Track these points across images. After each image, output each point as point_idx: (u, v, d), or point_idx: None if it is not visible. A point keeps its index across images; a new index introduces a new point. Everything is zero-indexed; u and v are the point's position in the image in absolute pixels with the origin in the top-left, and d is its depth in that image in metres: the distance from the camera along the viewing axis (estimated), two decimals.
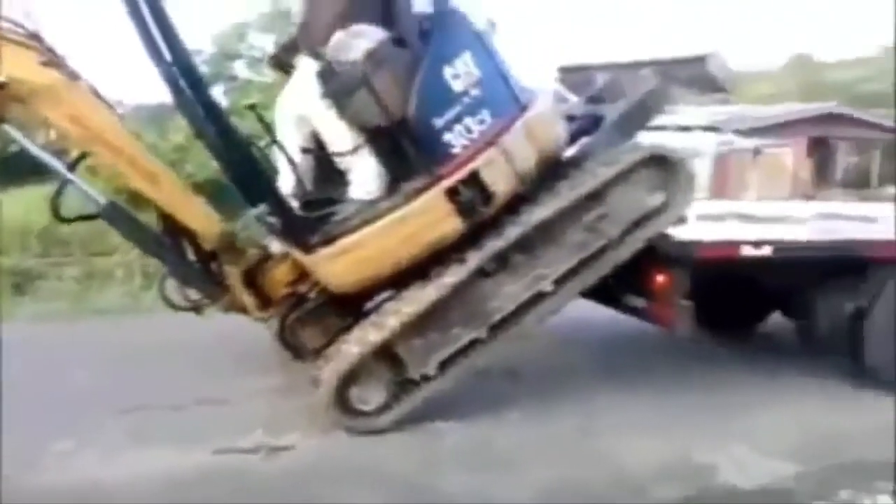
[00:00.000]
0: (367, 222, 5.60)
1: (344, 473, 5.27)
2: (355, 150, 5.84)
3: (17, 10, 5.30)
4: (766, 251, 6.39)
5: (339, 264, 5.65)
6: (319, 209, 5.82)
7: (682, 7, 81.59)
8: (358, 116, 5.66)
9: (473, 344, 5.93)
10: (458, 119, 5.65)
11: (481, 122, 5.71)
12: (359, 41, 5.60)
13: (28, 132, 5.65)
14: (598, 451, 5.57)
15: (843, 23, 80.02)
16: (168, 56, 5.30)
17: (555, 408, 6.26)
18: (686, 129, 15.12)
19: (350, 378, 5.70)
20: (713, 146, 18.07)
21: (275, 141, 5.93)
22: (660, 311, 6.47)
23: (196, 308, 6.42)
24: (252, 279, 6.17)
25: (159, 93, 6.11)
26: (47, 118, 5.30)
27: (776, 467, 5.35)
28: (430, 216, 5.65)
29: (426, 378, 5.87)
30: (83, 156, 5.70)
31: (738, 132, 21.38)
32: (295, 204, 5.88)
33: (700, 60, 6.70)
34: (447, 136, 5.64)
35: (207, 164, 11.02)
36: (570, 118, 6.61)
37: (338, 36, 5.67)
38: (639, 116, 6.69)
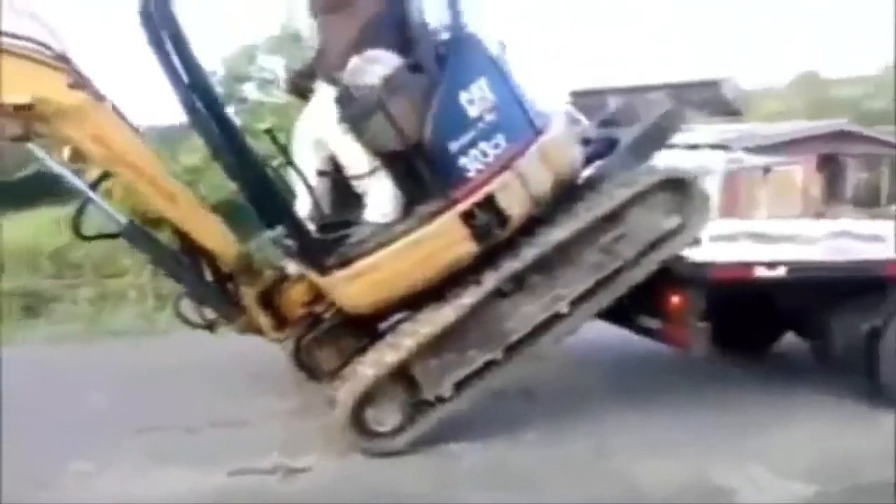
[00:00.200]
0: (382, 245, 5.64)
1: (360, 495, 5.28)
2: (372, 173, 5.88)
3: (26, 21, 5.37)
4: (781, 272, 6.40)
5: (355, 286, 5.69)
6: (335, 231, 5.86)
7: (690, 25, 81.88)
8: (374, 141, 5.71)
9: (489, 365, 5.94)
10: (473, 143, 5.70)
11: (496, 146, 5.75)
12: (375, 67, 5.66)
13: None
14: (614, 472, 5.57)
15: (848, 40, 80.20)
16: (186, 78, 5.37)
17: (570, 428, 6.25)
18: (695, 147, 15.11)
19: (366, 399, 5.72)
20: (723, 164, 18.05)
21: (290, 163, 5.98)
22: (675, 332, 6.47)
23: (210, 326, 6.45)
24: (268, 300, 6.20)
25: (170, 114, 6.21)
26: (71, 137, 5.36)
27: (794, 488, 5.33)
28: (445, 239, 5.69)
29: (442, 399, 5.88)
30: (105, 175, 5.76)
31: (748, 150, 21.38)
32: (311, 226, 5.92)
33: (714, 84, 6.74)
34: (462, 161, 5.68)
35: (220, 186, 11.08)
36: (586, 141, 6.64)
37: (354, 61, 5.72)
38: (653, 139, 6.73)
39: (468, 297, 5.77)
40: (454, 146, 5.66)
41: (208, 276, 6.19)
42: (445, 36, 5.93)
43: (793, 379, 7.53)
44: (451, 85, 5.68)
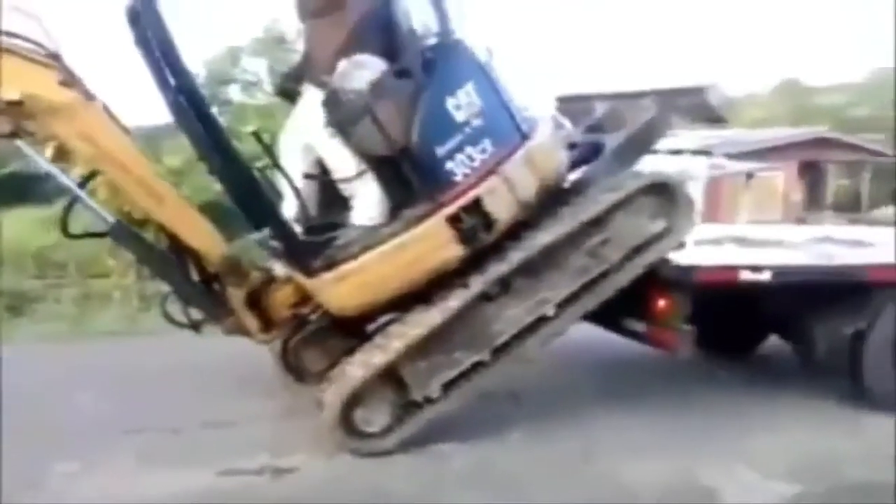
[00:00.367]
0: (369, 248, 5.67)
1: (348, 495, 5.30)
2: (359, 176, 5.90)
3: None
4: (766, 276, 6.46)
5: (342, 289, 5.71)
6: (322, 234, 5.88)
7: (673, 32, 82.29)
8: (361, 145, 5.74)
9: (476, 366, 5.98)
10: (459, 148, 5.74)
11: (483, 150, 5.80)
12: (362, 72, 5.69)
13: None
14: (600, 473, 5.61)
15: (830, 48, 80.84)
16: (173, 81, 5.39)
17: (557, 430, 6.29)
18: (678, 153, 15.22)
19: (354, 400, 5.74)
20: (705, 170, 18.19)
21: (277, 165, 5.99)
22: (660, 335, 6.53)
23: (196, 326, 6.45)
24: (255, 301, 6.21)
25: (153, 116, 6.20)
26: (60, 135, 5.37)
27: (778, 488, 5.39)
28: (431, 242, 5.72)
29: (430, 400, 5.92)
30: (92, 174, 5.76)
31: (730, 156, 21.53)
32: (298, 229, 5.94)
33: (700, 91, 6.80)
34: (449, 165, 5.72)
35: (203, 188, 11.09)
36: (571, 146, 6.69)
37: (342, 66, 5.75)
38: (639, 145, 6.80)
39: (455, 300, 5.80)
40: (441, 151, 5.70)
41: (195, 277, 6.20)
42: (433, 41, 5.96)
43: (777, 381, 7.61)
44: (438, 90, 5.72)
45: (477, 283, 5.83)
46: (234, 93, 31.02)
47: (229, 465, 5.60)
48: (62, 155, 5.62)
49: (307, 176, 6.23)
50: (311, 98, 6.09)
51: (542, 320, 6.10)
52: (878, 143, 31.71)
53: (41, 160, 5.57)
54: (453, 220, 5.72)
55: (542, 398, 7.06)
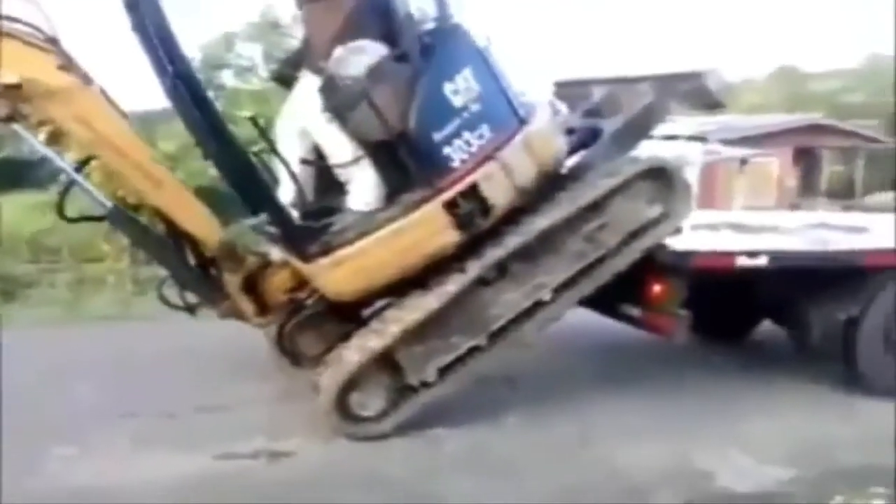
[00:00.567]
0: (365, 233, 5.66)
1: (345, 479, 5.31)
2: (355, 161, 5.89)
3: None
4: (762, 261, 6.48)
5: (338, 274, 5.71)
6: (319, 219, 5.88)
7: (669, 18, 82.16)
8: (359, 130, 5.72)
9: (473, 351, 6.00)
10: (457, 133, 5.72)
11: (480, 136, 5.78)
12: (360, 57, 5.66)
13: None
14: (596, 457, 5.64)
15: (825, 34, 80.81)
16: (169, 67, 5.36)
17: (553, 414, 6.32)
18: (673, 138, 15.22)
19: (350, 384, 5.75)
20: (700, 156, 18.19)
21: (274, 150, 5.98)
22: (656, 319, 6.55)
23: (191, 310, 6.46)
24: (251, 286, 6.21)
25: (146, 100, 6.17)
26: (57, 119, 5.36)
27: (773, 472, 5.43)
28: (428, 228, 5.72)
29: (426, 384, 5.93)
30: (88, 159, 5.75)
31: (725, 142, 21.54)
32: (295, 214, 5.94)
33: (698, 76, 6.78)
34: (446, 150, 5.71)
35: (197, 173, 11.06)
36: (569, 131, 6.68)
37: (339, 51, 5.72)
38: (636, 130, 6.79)
39: (452, 285, 5.80)
40: (438, 136, 5.68)
41: (191, 261, 6.19)
42: (430, 26, 5.95)
43: (772, 367, 7.66)
44: (435, 75, 5.69)
45: (474, 268, 5.83)
46: (228, 78, 30.90)
47: (225, 448, 5.62)
48: (56, 139, 5.61)
49: (304, 161, 6.21)
50: (308, 83, 6.07)
51: (538, 305, 6.12)
52: (872, 128, 31.80)
53: (39, 145, 5.56)
54: (450, 206, 5.71)
55: (538, 383, 7.09)
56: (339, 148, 5.95)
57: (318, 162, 6.23)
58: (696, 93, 6.87)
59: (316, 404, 5.82)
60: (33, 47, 5.26)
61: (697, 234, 7.02)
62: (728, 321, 8.30)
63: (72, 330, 9.51)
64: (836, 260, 6.77)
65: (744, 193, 21.47)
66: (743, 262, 6.49)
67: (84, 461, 5.43)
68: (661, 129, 7.41)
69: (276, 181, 6.26)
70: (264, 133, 5.94)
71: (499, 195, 5.82)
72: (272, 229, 5.92)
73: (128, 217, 5.90)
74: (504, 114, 5.94)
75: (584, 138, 6.78)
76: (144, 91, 5.74)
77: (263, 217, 6.05)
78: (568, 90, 7.94)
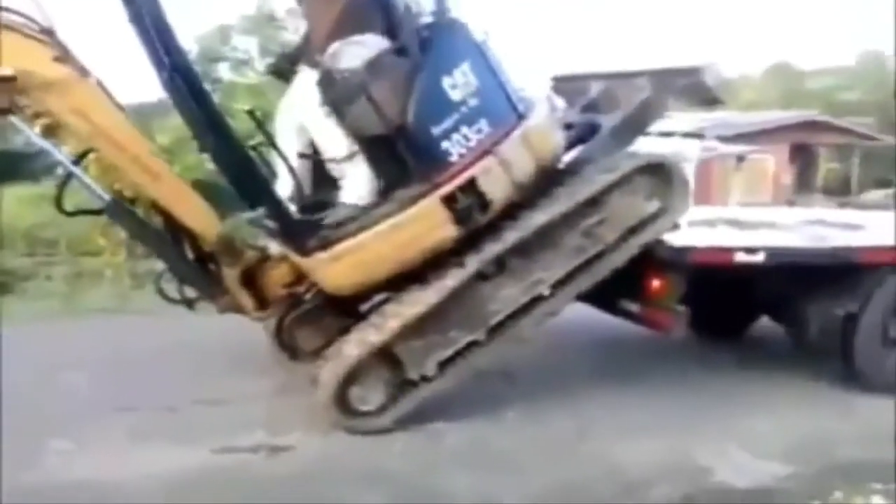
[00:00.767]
0: (364, 227, 5.65)
1: (344, 473, 5.31)
2: (350, 157, 5.88)
3: None
4: (760, 257, 6.49)
5: (336, 268, 5.70)
6: (314, 213, 5.88)
7: (665, 14, 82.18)
8: (356, 124, 5.71)
9: (471, 346, 6.00)
10: (455, 128, 5.71)
11: (479, 131, 5.77)
12: (358, 50, 5.65)
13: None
14: (594, 452, 5.65)
15: (822, 31, 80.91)
16: (167, 59, 5.34)
17: (551, 409, 6.32)
18: (670, 135, 15.25)
19: (349, 378, 5.75)
20: (697, 152, 18.23)
21: (272, 144, 5.98)
22: (655, 315, 6.55)
23: (189, 303, 6.45)
24: (249, 280, 6.21)
25: (141, 94, 6.15)
26: (53, 111, 5.34)
27: (771, 468, 5.44)
28: (426, 223, 5.71)
29: (425, 379, 5.93)
30: (88, 151, 5.74)
31: (721, 138, 21.58)
32: (293, 208, 5.93)
33: (695, 71, 6.77)
34: (444, 145, 5.69)
35: (193, 167, 11.03)
36: (567, 126, 6.68)
37: (337, 45, 5.72)
38: (634, 125, 6.78)
39: (451, 280, 5.80)
40: (437, 130, 5.66)
41: (189, 255, 6.19)
42: (429, 20, 5.93)
43: (769, 363, 7.67)
44: (434, 69, 5.68)
45: (473, 263, 5.83)
46: (224, 71, 30.89)
47: (224, 442, 5.61)
48: (52, 131, 5.60)
49: (301, 155, 6.21)
50: (306, 78, 6.06)
51: (537, 300, 6.12)
52: (868, 126, 31.88)
53: (38, 138, 5.54)
54: (448, 201, 5.70)
55: (536, 378, 7.09)
56: (334, 143, 5.94)
57: (315, 156, 6.23)
58: (694, 88, 6.86)
59: (315, 398, 5.82)
60: (29, 38, 5.25)
61: (695, 230, 7.03)
62: (726, 317, 8.31)
63: (69, 323, 9.49)
64: (834, 256, 6.77)
65: (740, 190, 21.53)
66: (741, 258, 6.49)
67: (82, 455, 5.42)
68: (657, 126, 7.41)
69: (273, 175, 6.26)
70: (262, 126, 5.93)
71: (497, 190, 5.81)
72: (270, 223, 5.91)
73: (126, 210, 5.90)
74: (502, 108, 5.93)
75: (581, 133, 6.77)
76: (138, 83, 5.71)
77: (261, 211, 6.03)
78: (565, 85, 7.93)
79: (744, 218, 8.31)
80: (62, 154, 5.75)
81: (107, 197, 5.77)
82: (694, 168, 16.61)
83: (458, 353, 5.98)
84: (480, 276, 5.93)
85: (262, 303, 6.28)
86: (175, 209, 5.87)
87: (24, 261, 13.69)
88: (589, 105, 7.21)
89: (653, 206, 6.28)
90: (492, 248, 5.87)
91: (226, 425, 5.90)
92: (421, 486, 5.11)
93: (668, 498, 5.04)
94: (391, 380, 5.91)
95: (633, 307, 6.75)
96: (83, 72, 5.51)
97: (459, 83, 5.72)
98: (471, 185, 5.73)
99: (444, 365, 5.95)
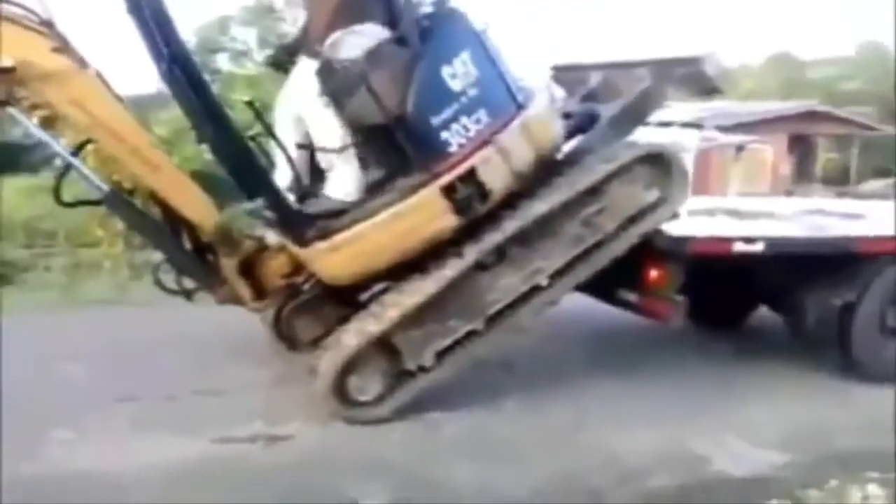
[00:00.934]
0: (362, 217, 5.65)
1: (342, 463, 5.32)
2: (343, 149, 5.87)
3: None
4: (759, 247, 6.49)
5: (335, 258, 5.71)
6: (303, 202, 5.90)
7: (664, 4, 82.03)
8: (356, 114, 5.70)
9: (470, 335, 6.00)
10: (455, 118, 5.69)
11: (478, 121, 5.76)
12: (358, 40, 5.65)
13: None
14: (593, 441, 5.66)
15: (822, 21, 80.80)
16: (166, 50, 5.33)
17: (550, 399, 6.34)
18: (669, 125, 15.24)
19: (348, 368, 5.76)
20: (696, 142, 18.23)
21: (272, 134, 5.97)
22: (653, 305, 6.56)
23: (188, 294, 6.46)
24: (248, 270, 6.21)
25: (140, 85, 6.13)
26: (52, 102, 5.33)
27: (768, 457, 5.47)
28: (425, 212, 5.70)
29: (423, 369, 5.94)
30: (86, 142, 5.74)
31: (720, 128, 21.57)
32: (292, 198, 5.93)
33: (695, 61, 6.76)
34: (444, 135, 5.68)
35: (192, 158, 11.04)
36: (567, 116, 6.67)
37: (336, 35, 5.71)
38: (634, 115, 6.77)
39: (450, 269, 5.80)
40: (436, 120, 5.65)
41: (188, 246, 6.19)
42: (429, 9, 5.92)
43: (767, 352, 7.70)
44: (433, 59, 5.66)
45: (472, 253, 5.83)
46: (223, 62, 30.86)
47: (223, 433, 5.62)
48: (49, 123, 5.60)
49: (300, 146, 6.20)
50: (305, 68, 6.05)
51: (536, 290, 6.12)
52: (867, 116, 31.88)
53: (37, 129, 5.54)
54: (448, 191, 5.70)
55: (535, 367, 7.11)
56: (328, 134, 5.93)
57: (312, 147, 6.23)
58: (694, 78, 6.85)
59: (314, 388, 5.82)
60: (28, 30, 5.24)
61: (694, 219, 7.03)
62: (724, 307, 8.32)
63: (68, 315, 9.49)
64: (833, 246, 6.78)
65: (739, 180, 21.53)
66: (740, 247, 6.49)
67: (82, 445, 5.42)
68: (656, 116, 7.41)
69: (272, 166, 6.25)
70: (261, 117, 5.92)
71: (496, 180, 5.80)
72: (269, 213, 5.91)
73: (124, 201, 5.90)
74: (502, 98, 5.91)
75: (581, 123, 6.76)
76: (137, 75, 5.71)
77: (260, 201, 6.03)
78: (565, 75, 7.92)
79: (743, 208, 8.32)
80: (60, 145, 5.75)
81: (105, 188, 5.76)
82: (693, 158, 16.61)
83: (457, 343, 5.99)
84: (479, 266, 5.93)
85: (261, 293, 6.28)
86: (174, 200, 5.87)
87: (22, 252, 13.69)
88: (588, 95, 7.20)
89: (652, 195, 6.28)
90: (491, 238, 5.87)
91: (225, 415, 5.90)
92: (420, 475, 5.12)
93: (666, 487, 5.06)
94: (390, 370, 5.91)
95: (632, 297, 6.75)
96: (82, 63, 5.50)
97: (459, 73, 5.70)
98: (470, 175, 5.73)
99: (442, 355, 5.95)
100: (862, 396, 6.58)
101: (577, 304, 7.15)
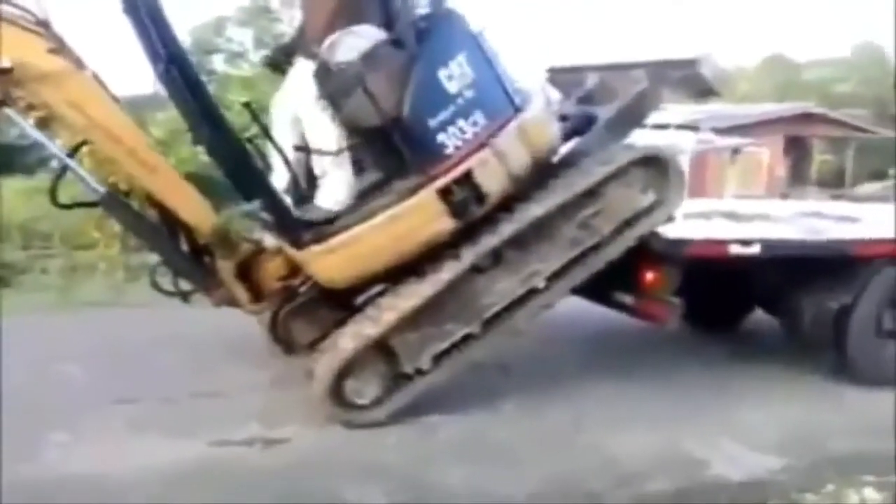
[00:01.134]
0: (358, 220, 5.64)
1: (339, 466, 5.31)
2: (338, 152, 5.87)
3: None
4: (755, 249, 6.49)
5: (331, 261, 5.70)
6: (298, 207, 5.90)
7: (660, 6, 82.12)
8: (353, 117, 5.69)
9: (467, 338, 6.00)
10: (451, 120, 5.68)
11: (475, 123, 5.74)
12: (354, 42, 5.63)
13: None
14: (590, 444, 5.66)
15: (817, 23, 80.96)
16: (162, 50, 5.32)
17: (547, 401, 6.34)
18: (665, 127, 15.24)
19: (345, 371, 5.75)
20: (692, 144, 18.24)
21: (269, 137, 5.96)
22: (649, 307, 6.55)
23: (185, 296, 6.44)
24: (244, 273, 6.20)
25: (135, 85, 6.12)
26: (48, 103, 5.32)
27: (764, 461, 5.47)
28: (422, 215, 5.69)
29: (420, 372, 5.93)
30: (83, 143, 5.73)
31: (716, 131, 21.59)
32: (289, 201, 5.93)
33: (692, 62, 6.76)
34: (440, 137, 5.66)
35: (188, 160, 11.02)
36: (563, 118, 6.67)
37: (334, 36, 5.70)
38: (630, 117, 6.77)
39: (446, 272, 5.79)
40: (432, 123, 5.64)
41: (185, 248, 6.18)
42: (425, 11, 5.91)
43: (763, 355, 7.70)
44: (430, 61, 5.65)
45: (468, 256, 5.82)
46: (219, 63, 30.82)
47: (220, 435, 5.62)
48: (45, 124, 5.59)
49: (297, 148, 6.19)
50: (301, 70, 6.05)
51: (532, 292, 6.12)
52: (862, 118, 31.93)
53: (34, 130, 5.53)
54: (444, 194, 5.69)
55: (531, 370, 7.11)
56: (323, 137, 5.92)
57: (308, 150, 6.22)
58: (691, 80, 6.86)
59: (311, 391, 5.82)
60: (24, 30, 5.23)
61: (690, 222, 7.04)
62: (720, 310, 8.33)
63: (65, 316, 9.49)
64: (829, 249, 6.79)
65: (735, 182, 21.55)
66: (736, 250, 6.49)
67: (78, 448, 5.42)
68: (652, 118, 7.41)
69: (269, 167, 6.25)
70: (258, 119, 5.92)
71: (493, 183, 5.79)
72: (265, 216, 5.90)
73: (121, 203, 5.88)
74: (498, 100, 5.90)
75: (577, 125, 6.75)
76: (133, 76, 5.69)
77: (256, 203, 6.01)
78: (561, 77, 7.92)
79: (739, 210, 8.32)
80: (57, 146, 5.74)
81: (102, 189, 5.75)
82: (689, 160, 16.63)
83: (454, 346, 5.98)
84: (476, 269, 5.92)
85: (257, 296, 6.26)
86: (170, 202, 5.85)
87: (19, 254, 13.67)
88: (585, 97, 7.20)
89: (648, 198, 6.28)
90: (488, 241, 5.87)
91: (222, 418, 5.90)
92: (417, 478, 5.12)
93: (663, 490, 5.05)
94: (386, 373, 5.91)
95: (628, 299, 6.75)
96: (79, 64, 5.48)
97: (456, 75, 5.69)
98: (466, 178, 5.71)
99: (439, 358, 5.95)
100: (858, 399, 6.58)
101: (574, 306, 7.15)
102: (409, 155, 5.66)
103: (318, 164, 6.08)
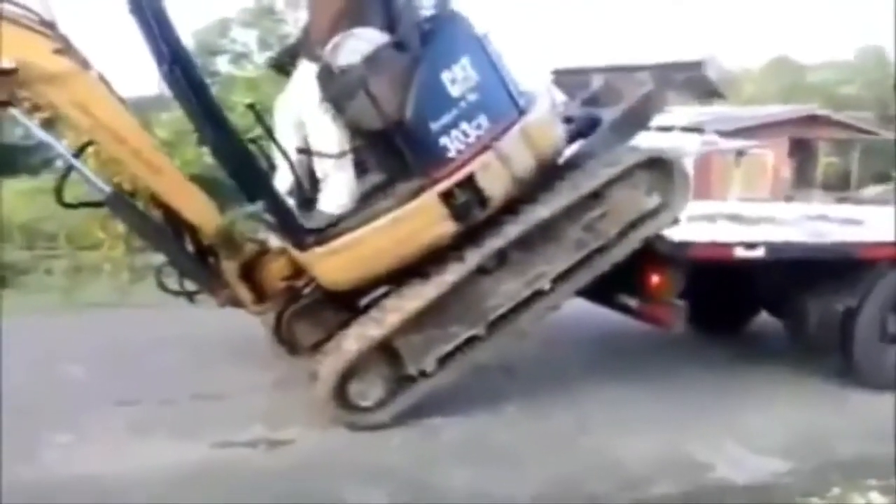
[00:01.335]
0: (361, 222, 5.64)
1: (343, 468, 5.31)
2: (341, 155, 5.86)
3: None
4: (760, 252, 6.48)
5: (334, 263, 5.69)
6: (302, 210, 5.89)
7: (665, 7, 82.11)
8: (356, 119, 5.68)
9: (471, 341, 5.99)
10: (454, 123, 5.67)
11: (478, 126, 5.73)
12: (357, 44, 5.62)
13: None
14: (594, 447, 5.65)
15: (821, 25, 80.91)
16: (167, 53, 5.32)
17: (551, 404, 6.33)
18: (669, 129, 15.24)
19: (349, 373, 5.74)
20: (697, 147, 18.22)
21: (272, 138, 5.96)
22: (654, 310, 6.54)
23: (190, 296, 6.44)
24: (249, 273, 6.19)
25: (140, 86, 6.12)
26: (54, 104, 5.32)
27: (770, 464, 5.45)
28: (424, 218, 5.69)
29: (424, 374, 5.92)
30: (88, 143, 5.73)
31: (721, 133, 21.55)
32: (293, 202, 5.92)
33: (697, 65, 6.76)
34: (443, 140, 5.65)
35: (193, 161, 11.04)
36: (568, 120, 6.66)
37: (337, 39, 5.70)
38: (636, 119, 6.76)
39: (451, 274, 5.78)
40: (435, 126, 5.62)
41: (189, 249, 6.18)
42: (429, 13, 5.90)
43: (768, 358, 7.68)
44: (434, 64, 5.64)
45: (473, 257, 5.81)
46: (223, 64, 30.85)
47: (223, 437, 5.62)
48: (50, 124, 5.60)
49: (300, 150, 6.19)
50: (305, 72, 6.04)
51: (537, 295, 6.11)
52: (867, 120, 31.86)
53: (38, 131, 5.53)
54: (447, 197, 5.68)
55: (535, 372, 7.09)
56: (326, 140, 5.91)
57: (311, 152, 6.21)
58: (696, 82, 6.85)
59: (314, 393, 5.81)
60: (30, 31, 5.22)
61: (695, 224, 7.02)
62: (725, 312, 8.31)
63: (69, 317, 9.50)
64: (834, 252, 6.77)
65: (739, 185, 21.50)
66: (741, 253, 6.47)
67: (81, 449, 5.42)
68: (657, 120, 7.40)
69: (273, 169, 6.24)
70: (262, 120, 5.91)
71: (496, 186, 5.78)
72: (269, 217, 5.90)
73: (126, 203, 5.87)
74: (502, 103, 5.88)
75: (582, 127, 6.74)
76: (138, 76, 5.70)
77: (261, 204, 6.01)
78: (566, 79, 7.92)
79: (744, 213, 8.31)
80: (62, 146, 5.73)
81: (107, 189, 5.74)
82: (693, 162, 16.61)
83: (458, 348, 5.97)
84: (481, 271, 5.91)
85: (261, 296, 6.25)
86: (175, 202, 5.84)
87: (23, 254, 13.70)
88: (590, 99, 7.20)
89: (653, 200, 6.27)
90: (492, 243, 5.85)
91: (225, 419, 5.90)
92: (420, 480, 5.11)
93: (668, 494, 5.04)
94: (390, 375, 5.90)
95: (633, 302, 6.73)
96: (84, 64, 5.48)
97: (459, 78, 5.67)
98: (469, 181, 5.70)
99: (443, 360, 5.94)
100: (863, 403, 6.56)
101: (578, 308, 7.13)
102: (411, 158, 5.65)
103: (321, 167, 6.06)
